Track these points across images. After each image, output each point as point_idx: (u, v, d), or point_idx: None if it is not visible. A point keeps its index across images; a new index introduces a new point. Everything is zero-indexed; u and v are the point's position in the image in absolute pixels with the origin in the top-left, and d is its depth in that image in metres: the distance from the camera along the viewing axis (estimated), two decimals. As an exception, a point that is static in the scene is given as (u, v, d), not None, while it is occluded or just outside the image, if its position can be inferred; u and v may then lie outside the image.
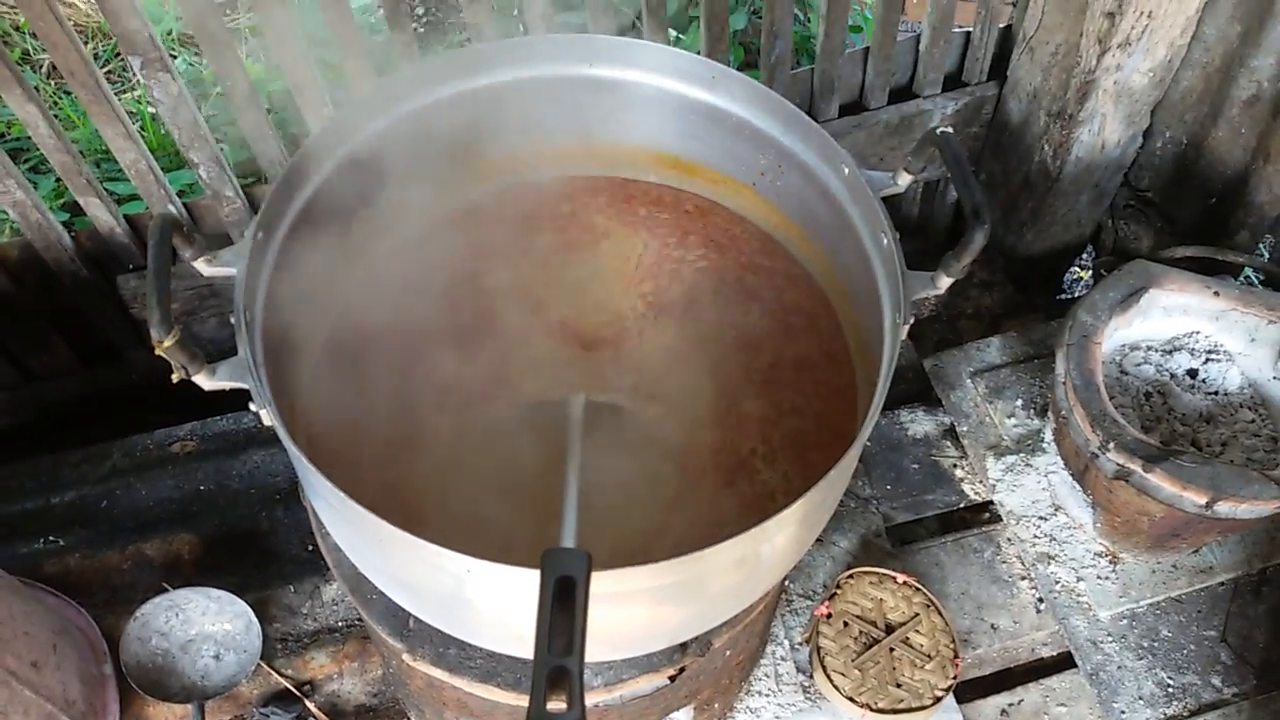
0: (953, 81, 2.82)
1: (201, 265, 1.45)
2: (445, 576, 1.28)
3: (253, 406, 1.34)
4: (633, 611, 1.38)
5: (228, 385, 1.35)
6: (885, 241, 1.48)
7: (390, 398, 1.64)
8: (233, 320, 1.38)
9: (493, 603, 1.35)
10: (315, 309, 1.66)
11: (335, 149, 1.60)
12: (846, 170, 1.57)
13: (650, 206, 1.88)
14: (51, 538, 2.45)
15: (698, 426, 1.66)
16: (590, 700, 1.67)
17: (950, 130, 1.44)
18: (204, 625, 2.27)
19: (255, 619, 2.26)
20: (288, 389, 1.54)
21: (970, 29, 2.72)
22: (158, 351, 1.26)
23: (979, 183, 1.42)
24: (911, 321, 1.42)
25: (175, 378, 1.33)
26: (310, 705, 2.25)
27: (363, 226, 1.72)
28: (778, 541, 1.40)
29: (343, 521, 1.40)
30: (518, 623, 1.36)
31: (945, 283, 1.43)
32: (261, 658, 2.25)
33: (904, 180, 1.55)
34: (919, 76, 2.75)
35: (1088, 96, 2.56)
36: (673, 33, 3.46)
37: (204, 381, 1.34)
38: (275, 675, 2.28)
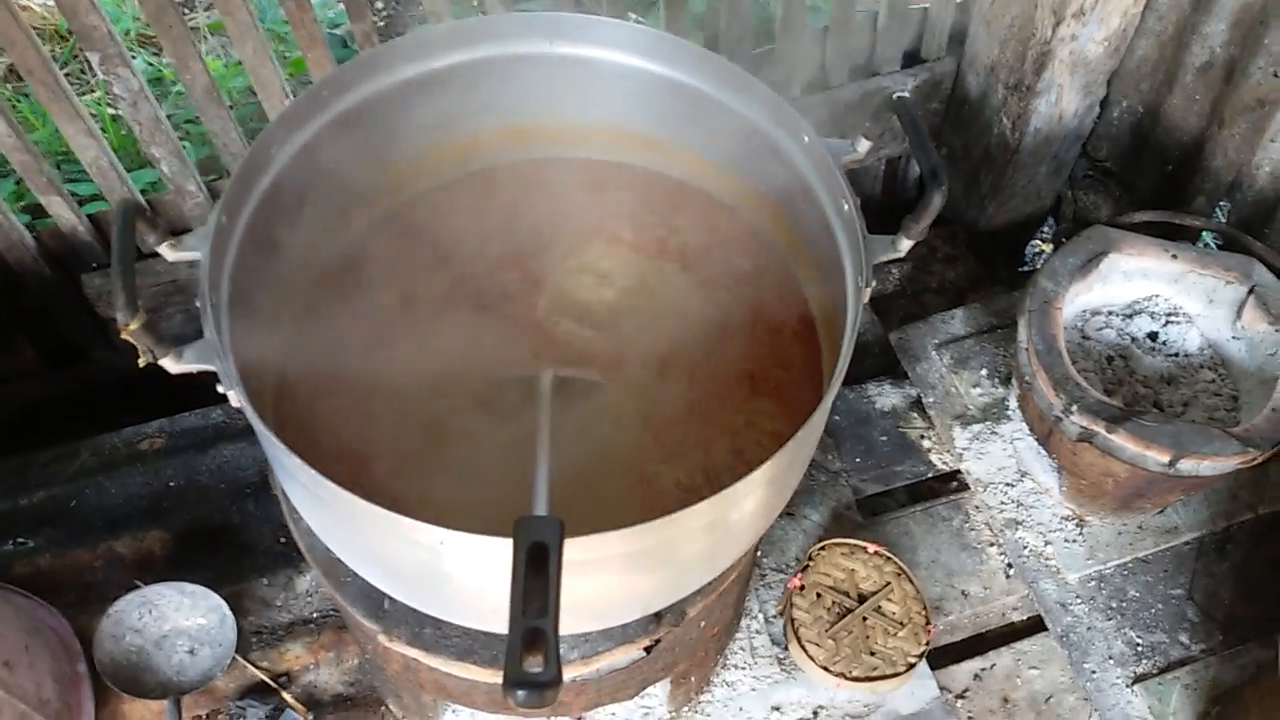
0: (912, 58, 2.84)
1: (165, 250, 1.44)
2: (420, 551, 1.29)
3: (220, 389, 1.33)
4: (606, 580, 1.40)
5: (195, 368, 1.34)
6: (846, 207, 1.49)
7: (359, 378, 1.64)
8: (198, 306, 1.38)
9: (468, 576, 1.36)
10: (281, 291, 1.66)
11: (298, 131, 1.59)
12: (806, 139, 1.58)
13: (613, 183, 1.89)
14: (21, 539, 2.44)
15: (665, 397, 1.67)
16: (568, 674, 1.68)
17: (907, 94, 1.46)
18: (178, 620, 2.27)
19: (229, 612, 2.25)
20: (255, 372, 1.54)
21: (927, 5, 2.74)
22: (124, 335, 1.26)
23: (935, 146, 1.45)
24: (873, 285, 1.44)
25: (142, 362, 1.32)
26: (287, 696, 2.25)
27: (327, 209, 1.72)
28: (746, 506, 1.41)
29: (315, 501, 1.40)
30: (493, 595, 1.36)
31: (905, 245, 1.44)
32: (237, 651, 2.25)
33: (863, 147, 1.57)
34: (878, 54, 2.77)
35: (1044, 68, 2.59)
36: (632, 16, 3.47)
37: (171, 365, 1.33)
38: (251, 668, 2.27)
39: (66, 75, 3.53)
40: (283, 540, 2.43)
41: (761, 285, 1.78)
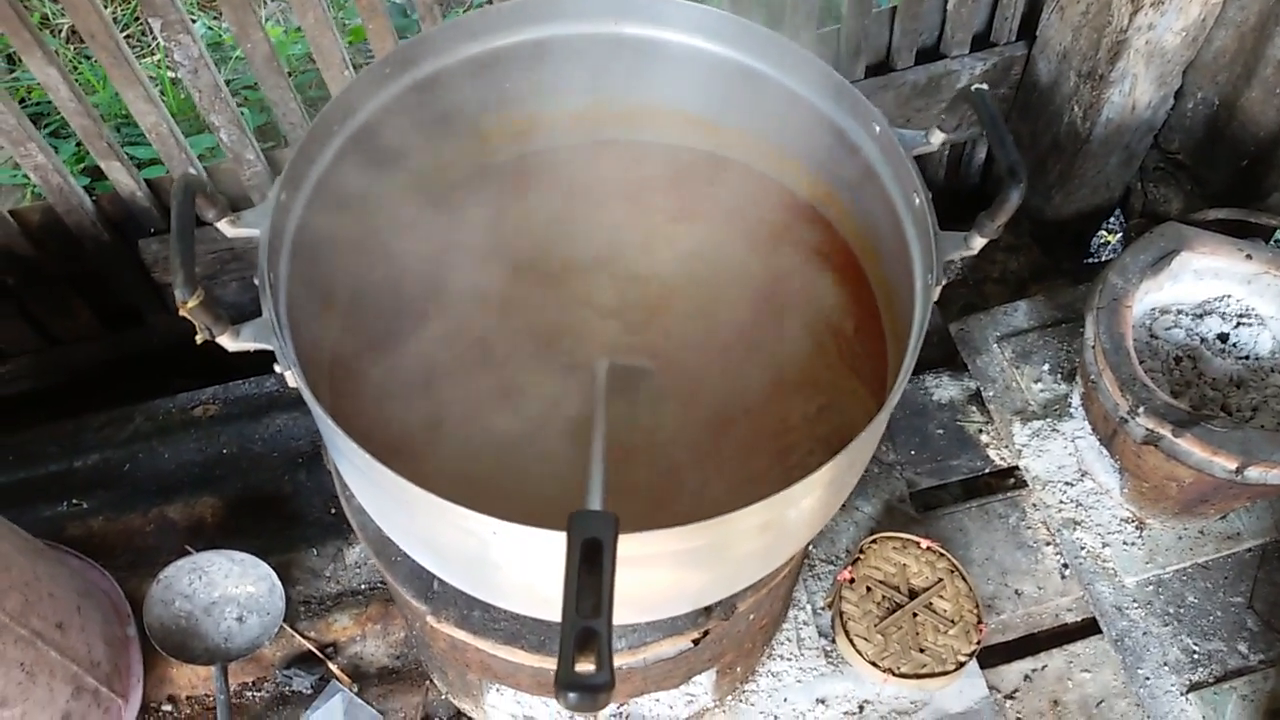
0: (981, 41, 2.77)
1: (224, 226, 1.43)
2: (471, 539, 1.27)
3: (277, 368, 1.33)
4: (658, 574, 1.38)
5: (252, 346, 1.33)
6: (918, 201, 1.45)
7: (414, 361, 1.63)
8: (255, 282, 1.37)
9: (519, 565, 1.34)
10: (339, 270, 1.65)
11: (360, 108, 1.58)
12: (878, 129, 1.54)
13: (677, 168, 1.86)
14: (75, 501, 2.47)
15: (723, 388, 1.64)
16: (614, 663, 1.67)
17: (985, 87, 1.41)
18: (227, 588, 2.28)
19: (278, 581, 2.26)
20: (312, 351, 1.53)
21: (999, -13, 2.67)
22: (182, 312, 1.25)
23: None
24: (945, 283, 1.40)
25: (199, 339, 1.32)
26: (333, 667, 2.26)
27: (386, 187, 1.70)
28: (804, 505, 1.38)
29: (368, 484, 1.39)
30: (544, 585, 1.35)
31: (979, 243, 1.40)
32: (284, 620, 2.26)
33: (937, 139, 1.53)
34: (946, 36, 2.70)
35: (1119, 56, 2.51)
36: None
37: (228, 343, 1.32)
38: (298, 637, 2.28)
39: (126, 38, 3.55)
40: (333, 511, 2.44)
41: (826, 276, 1.75)
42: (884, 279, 1.67)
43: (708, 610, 1.63)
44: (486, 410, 1.58)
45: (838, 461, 1.28)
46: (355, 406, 1.58)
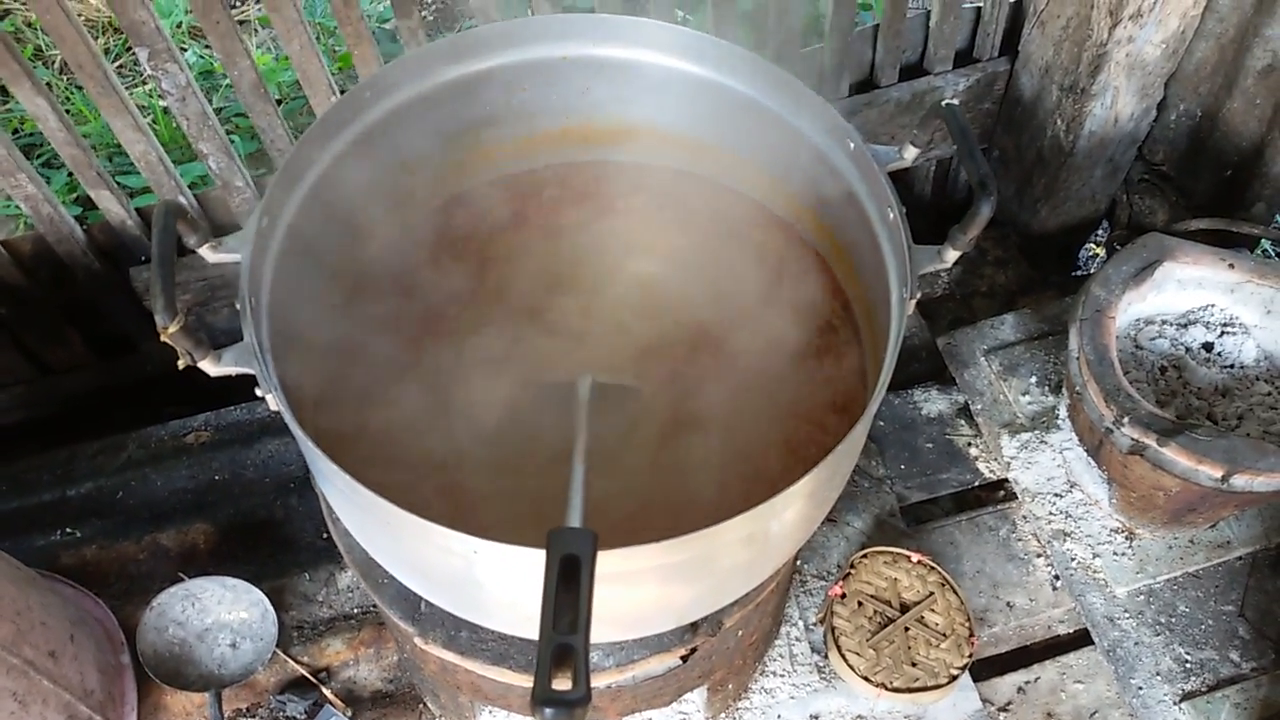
0: (964, 58, 2.79)
1: (206, 252, 1.45)
2: (453, 558, 1.28)
3: (259, 392, 1.34)
4: (642, 591, 1.38)
5: (233, 371, 1.35)
6: (892, 216, 1.47)
7: (397, 383, 1.64)
8: (238, 308, 1.39)
9: (501, 584, 1.35)
10: (322, 293, 1.66)
11: (339, 134, 1.59)
12: (852, 145, 1.55)
13: (657, 187, 1.87)
14: (68, 529, 2.47)
15: (705, 405, 1.65)
16: (603, 681, 1.67)
17: (955, 102, 1.43)
18: (220, 614, 2.28)
19: (271, 607, 2.26)
20: (295, 374, 1.54)
21: (980, 4, 2.69)
22: (163, 338, 1.27)
23: (986, 155, 1.42)
24: (919, 296, 1.41)
25: (181, 364, 1.33)
26: (327, 692, 2.26)
27: (369, 211, 1.72)
28: (786, 518, 1.39)
29: (351, 506, 1.40)
30: (527, 604, 1.35)
31: (952, 256, 1.41)
32: (278, 645, 2.26)
33: (910, 154, 1.54)
34: (930, 53, 2.73)
35: (1100, 70, 2.53)
36: (680, 13, 3.44)
37: (209, 367, 1.34)
38: (292, 663, 2.29)
39: (120, 68, 3.59)
40: (325, 536, 2.44)
41: (805, 291, 1.76)
42: (862, 294, 1.69)
43: (694, 626, 1.64)
44: (470, 431, 1.59)
45: (817, 473, 1.30)
46: (341, 430, 1.59)
